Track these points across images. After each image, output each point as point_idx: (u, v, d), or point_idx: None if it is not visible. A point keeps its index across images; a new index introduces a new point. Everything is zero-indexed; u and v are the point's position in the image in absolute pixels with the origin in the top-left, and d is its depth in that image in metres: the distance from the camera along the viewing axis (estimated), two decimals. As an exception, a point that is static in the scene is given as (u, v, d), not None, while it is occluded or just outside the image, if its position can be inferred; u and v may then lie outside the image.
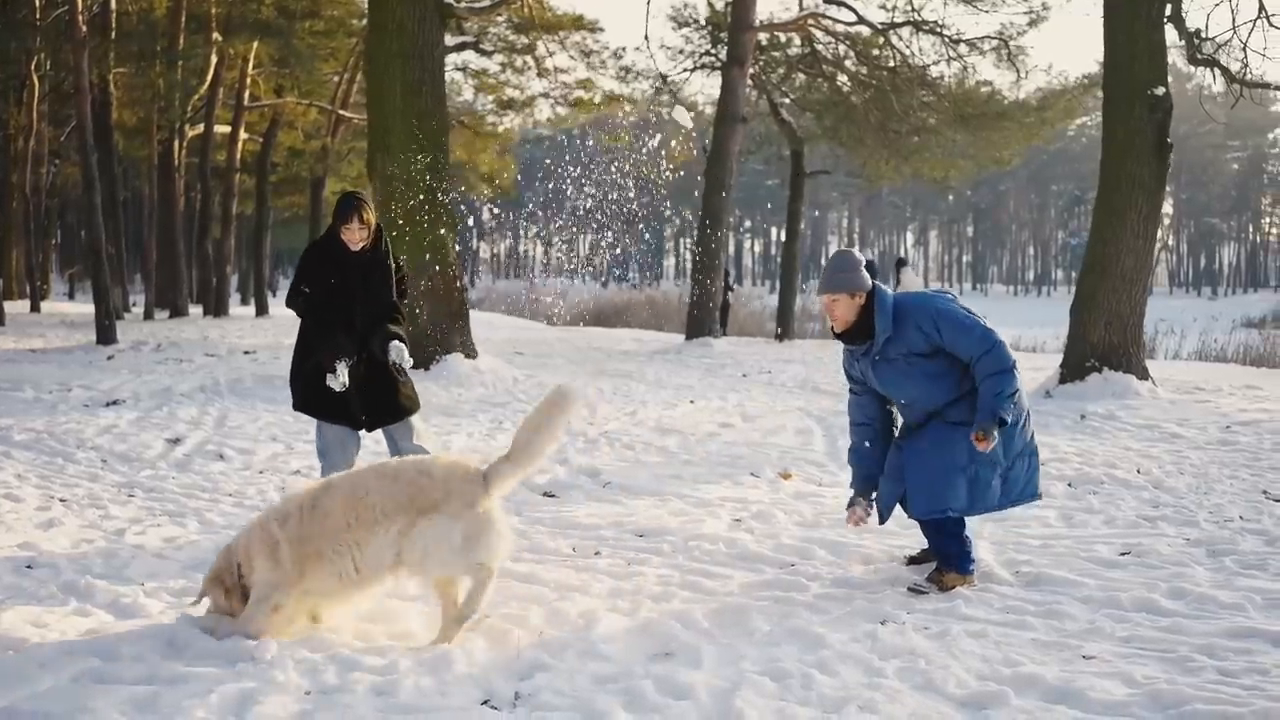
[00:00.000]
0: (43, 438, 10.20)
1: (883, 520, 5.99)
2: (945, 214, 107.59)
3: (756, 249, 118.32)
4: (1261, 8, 14.63)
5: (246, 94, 32.32)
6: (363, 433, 6.92)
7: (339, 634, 4.86)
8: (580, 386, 4.83)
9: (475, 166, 36.36)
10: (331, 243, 6.70)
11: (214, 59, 30.24)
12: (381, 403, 6.77)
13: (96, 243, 19.96)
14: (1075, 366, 13.65)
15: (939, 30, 24.66)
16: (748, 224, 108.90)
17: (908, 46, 25.31)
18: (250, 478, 8.76)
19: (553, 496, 8.19)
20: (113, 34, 27.13)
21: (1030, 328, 27.97)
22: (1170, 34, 14.05)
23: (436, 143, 15.59)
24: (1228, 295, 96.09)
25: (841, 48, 26.50)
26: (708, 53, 27.91)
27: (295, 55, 30.11)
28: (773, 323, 31.42)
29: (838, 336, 5.86)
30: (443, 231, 15.45)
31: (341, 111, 33.55)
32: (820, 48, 26.50)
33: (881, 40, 25.37)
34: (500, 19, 27.35)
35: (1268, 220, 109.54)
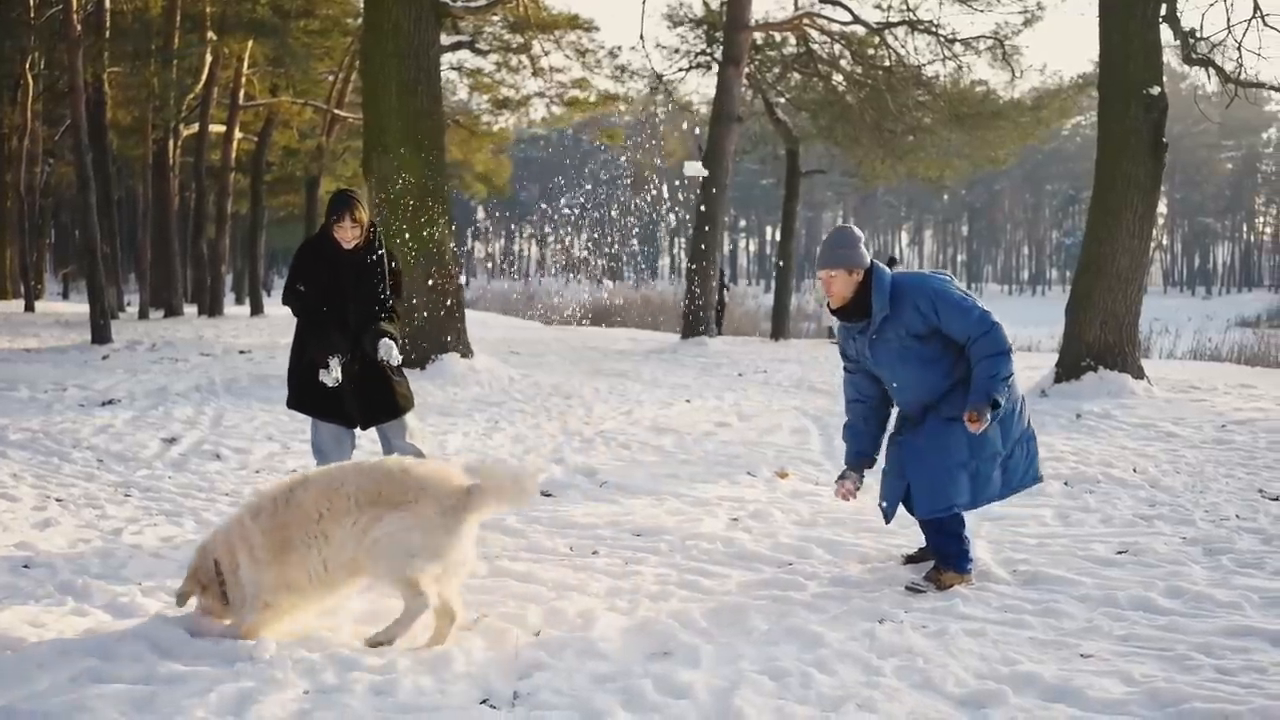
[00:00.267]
0: (38, 437, 10.18)
1: (888, 519, 5.99)
2: (940, 213, 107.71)
3: (751, 248, 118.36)
4: (1256, 7, 14.66)
5: (241, 93, 32.26)
6: (358, 431, 6.92)
7: (337, 634, 4.86)
8: (532, 481, 4.67)
9: (470, 166, 36.36)
10: (325, 241, 6.70)
11: (209, 58, 30.19)
12: (375, 401, 6.77)
13: (91, 242, 19.93)
14: (1071, 366, 13.68)
15: (934, 30, 24.69)
16: (743, 223, 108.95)
17: (903, 46, 25.36)
18: (247, 477, 8.76)
19: (549, 496, 8.19)
20: (107, 33, 27.07)
21: (1025, 327, 27.98)
22: (1165, 33, 14.09)
23: (432, 142, 15.59)
24: (1222, 295, 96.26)
25: (837, 47, 26.52)
26: (703, 52, 27.92)
27: (290, 54, 30.07)
28: (768, 322, 31.47)
29: (834, 313, 5.86)
30: (439, 231, 15.43)
31: (337, 111, 33.51)
32: (815, 47, 26.53)
33: (877, 40, 25.40)
34: (495, 18, 27.34)
35: (1262, 220, 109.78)
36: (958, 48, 25.01)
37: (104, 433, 10.52)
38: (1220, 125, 75.16)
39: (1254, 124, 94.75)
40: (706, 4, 27.32)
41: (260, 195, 34.90)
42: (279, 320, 28.35)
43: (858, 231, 5.89)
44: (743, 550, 6.46)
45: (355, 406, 6.74)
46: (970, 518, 5.92)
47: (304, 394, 6.79)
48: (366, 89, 16.54)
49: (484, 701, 4.19)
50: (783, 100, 28.39)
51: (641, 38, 28.32)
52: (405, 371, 7.12)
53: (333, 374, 6.50)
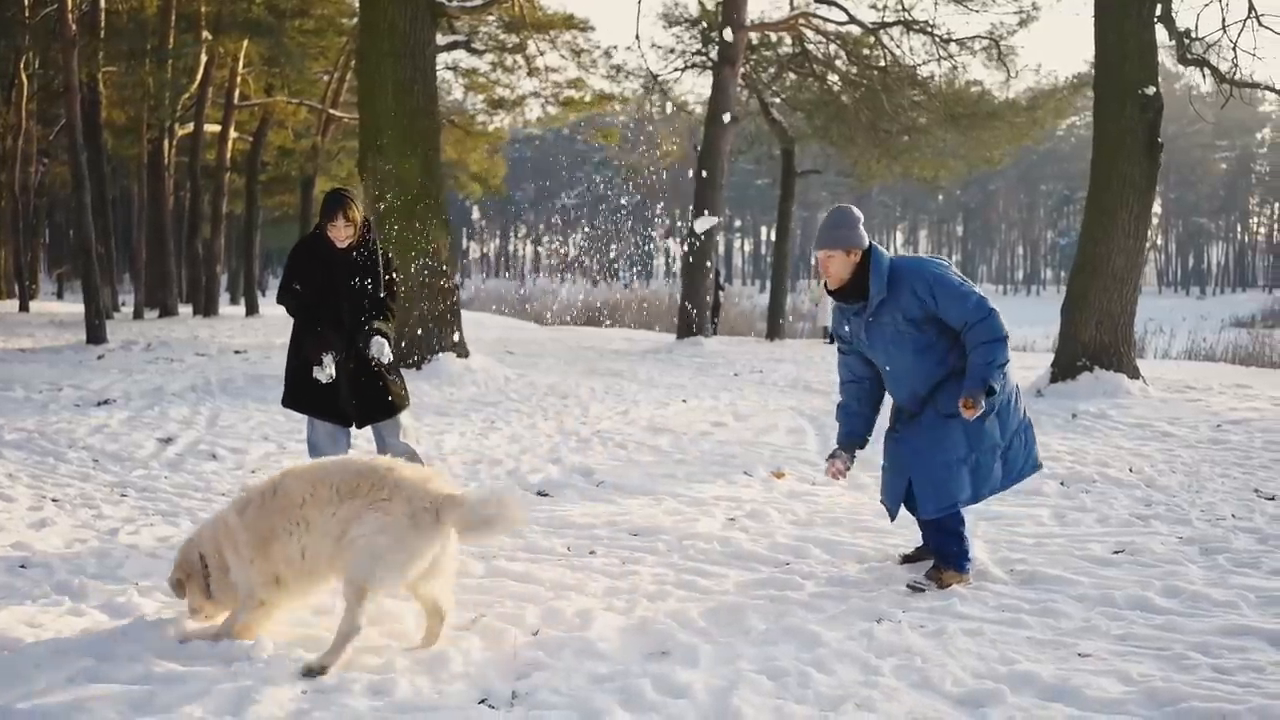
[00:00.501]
0: (34, 437, 10.17)
1: (893, 517, 6.00)
2: (935, 213, 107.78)
3: (746, 248, 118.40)
4: (1251, 8, 14.68)
5: (236, 93, 32.22)
6: (353, 430, 6.92)
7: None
8: (520, 508, 4.55)
9: (465, 166, 36.34)
10: (319, 240, 6.70)
11: (204, 58, 30.15)
12: (371, 400, 6.77)
13: (86, 242, 19.90)
14: (1066, 365, 13.69)
15: (929, 30, 24.70)
16: (738, 223, 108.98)
17: (898, 46, 25.37)
18: (243, 477, 8.74)
19: (546, 495, 8.19)
20: (102, 33, 27.02)
21: (1020, 327, 27.88)
22: (1160, 34, 14.10)
23: (428, 142, 15.58)
24: (1216, 295, 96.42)
25: (832, 47, 26.54)
26: (699, 52, 27.93)
27: (285, 54, 30.04)
28: (763, 322, 31.48)
29: (831, 294, 5.84)
30: (434, 230, 15.42)
31: (332, 111, 33.48)
32: (811, 47, 26.55)
33: (872, 40, 25.42)
34: (491, 18, 27.33)
35: (1256, 220, 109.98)
36: (953, 48, 25.05)
37: (100, 433, 10.51)
38: (1214, 125, 75.21)
39: (1248, 124, 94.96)
40: (702, 4, 27.33)
41: (255, 195, 34.86)
42: (274, 320, 28.33)
43: (857, 212, 5.84)
44: (740, 550, 6.46)
45: (351, 405, 6.74)
46: (967, 517, 5.92)
47: (300, 393, 6.79)
48: (362, 88, 16.52)
49: (482, 701, 4.19)
50: (778, 100, 28.41)
51: (637, 37, 28.38)
52: (402, 371, 7.11)
53: (326, 370, 6.51)
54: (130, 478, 8.64)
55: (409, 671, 4.40)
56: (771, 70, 28.27)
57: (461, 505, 4.54)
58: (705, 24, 27.22)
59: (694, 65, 28.02)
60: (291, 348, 6.86)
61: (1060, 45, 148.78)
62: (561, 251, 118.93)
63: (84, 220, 19.88)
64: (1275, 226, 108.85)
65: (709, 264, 23.59)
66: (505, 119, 36.14)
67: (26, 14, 27.31)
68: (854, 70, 26.46)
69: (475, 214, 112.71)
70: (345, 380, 6.66)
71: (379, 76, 15.40)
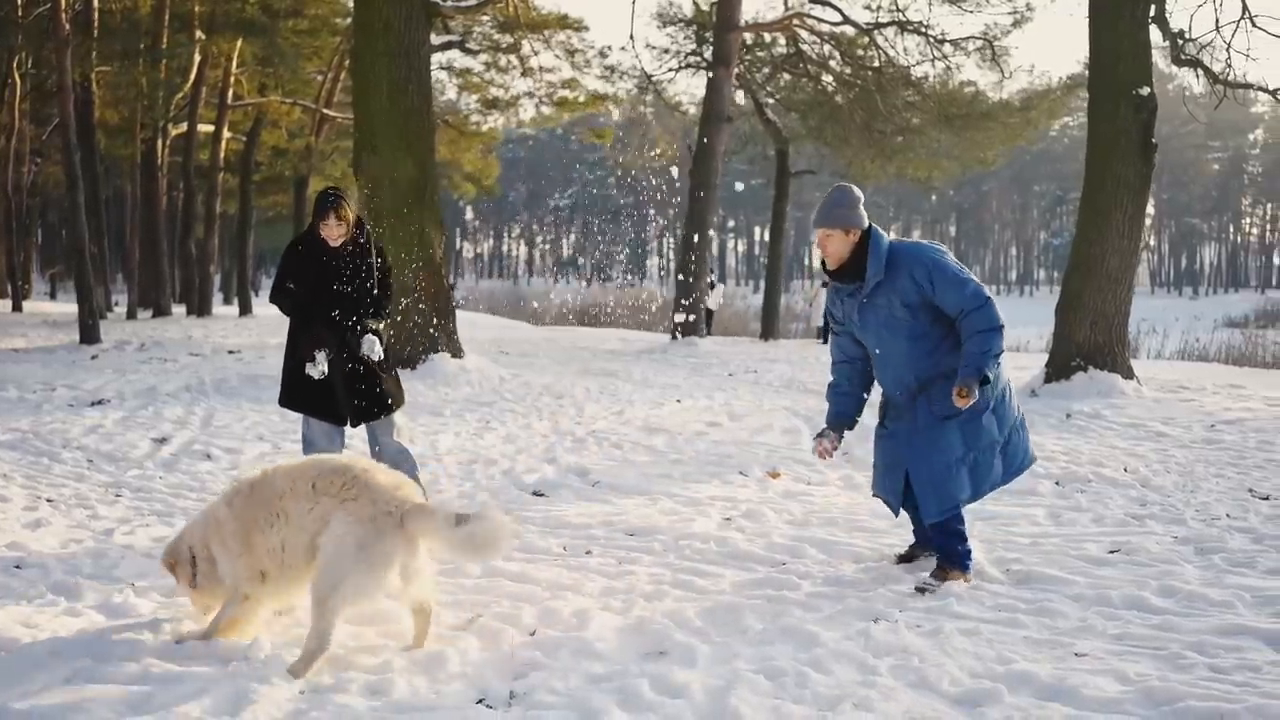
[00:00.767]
0: (28, 438, 10.15)
1: (896, 511, 6.00)
2: (928, 214, 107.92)
3: (740, 249, 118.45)
4: (1245, 8, 14.71)
5: (230, 93, 32.22)
6: (348, 429, 6.92)
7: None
8: (507, 530, 4.45)
9: (459, 166, 36.33)
10: (312, 239, 6.70)
11: (197, 57, 30.14)
12: (365, 398, 6.76)
13: (80, 242, 19.86)
14: (1061, 366, 13.71)
15: (924, 30, 24.73)
16: (731, 224, 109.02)
17: (892, 47, 25.40)
18: (237, 477, 8.72)
19: (542, 495, 8.19)
20: (95, 32, 26.98)
21: (1013, 327, 27.74)
22: (1154, 35, 14.13)
23: (423, 142, 15.57)
24: (1209, 295, 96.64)
25: (826, 48, 26.58)
26: (693, 53, 27.94)
27: (279, 54, 30.03)
28: (757, 322, 31.49)
29: (829, 273, 5.81)
30: (429, 231, 15.42)
31: (325, 110, 33.47)
32: (805, 48, 26.57)
33: (866, 40, 25.44)
34: (485, 18, 27.32)
35: (1248, 221, 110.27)
36: (947, 48, 25.08)
37: (94, 433, 10.49)
38: (1207, 126, 75.38)
39: (1241, 125, 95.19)
40: (696, 4, 27.35)
41: (249, 195, 34.86)
42: (268, 320, 28.31)
43: (857, 192, 5.80)
44: (736, 550, 6.46)
45: (345, 404, 6.74)
46: (964, 517, 5.91)
47: (295, 392, 6.79)
48: (357, 88, 16.50)
49: (480, 701, 4.19)
50: (772, 100, 28.42)
51: (631, 38, 28.35)
52: (397, 370, 7.12)
53: (319, 367, 6.51)
54: (125, 478, 8.62)
55: (406, 671, 4.39)
56: (766, 70, 28.30)
57: (428, 516, 4.46)
58: (700, 24, 27.22)
59: (689, 66, 28.03)
60: (288, 347, 6.86)
61: (1054, 46, 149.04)
62: (555, 253, 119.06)
63: (78, 220, 19.84)
64: (1267, 227, 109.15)
65: (704, 264, 23.58)
66: (499, 119, 36.16)
67: (20, 13, 27.27)
68: (848, 71, 26.49)
69: (469, 214, 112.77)
70: (340, 379, 6.66)
71: (374, 76, 15.38)
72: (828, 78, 27.02)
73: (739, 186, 28.03)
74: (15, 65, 30.79)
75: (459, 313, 17.66)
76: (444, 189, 31.62)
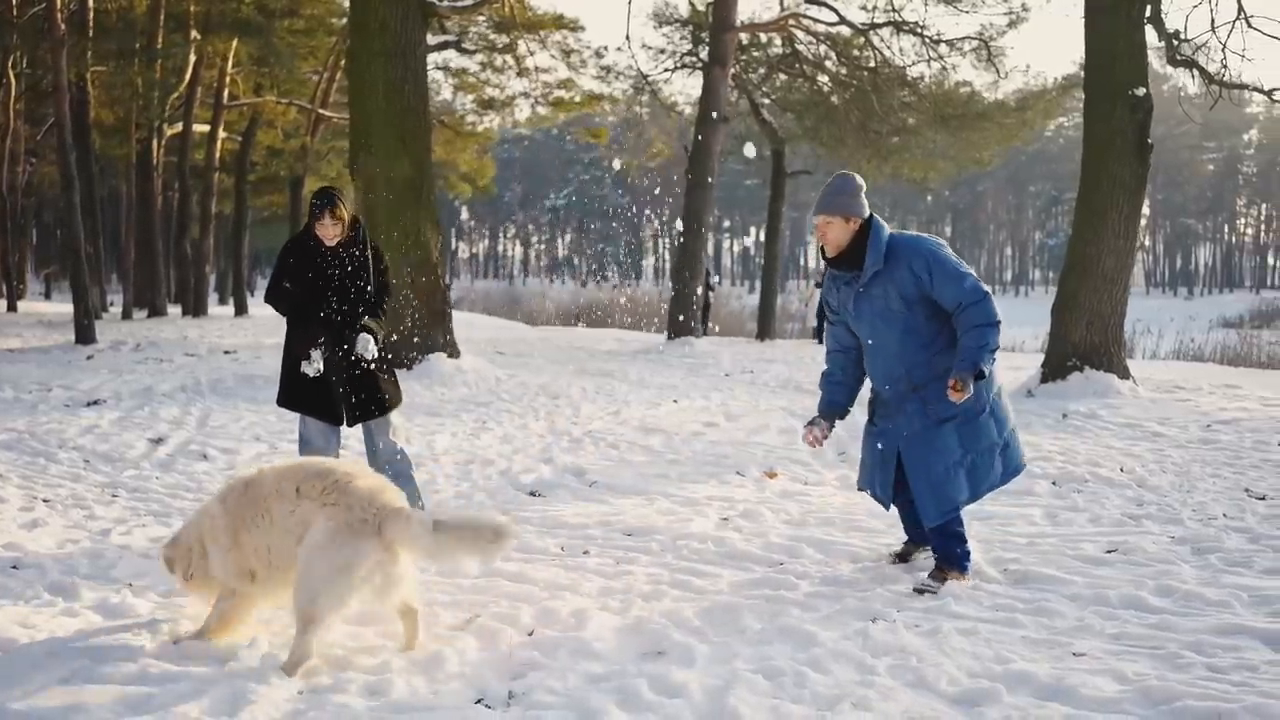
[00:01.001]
0: (24, 438, 10.13)
1: (887, 506, 6.02)
2: (924, 214, 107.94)
3: (735, 249, 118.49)
4: (1240, 9, 14.72)
5: (226, 93, 32.17)
6: (345, 429, 6.91)
7: (330, 633, 4.84)
8: (510, 529, 4.43)
9: (455, 166, 36.31)
10: (308, 238, 6.69)
11: (193, 57, 30.09)
12: (362, 398, 6.76)
13: (75, 242, 19.82)
14: (1057, 366, 13.73)
15: (919, 31, 24.74)
16: (726, 224, 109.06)
17: (888, 47, 25.40)
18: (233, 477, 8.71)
19: (539, 495, 8.19)
20: (90, 32, 26.95)
21: (1009, 327, 27.70)
22: (1150, 35, 14.14)
23: (419, 142, 15.56)
24: (1203, 295, 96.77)
25: (822, 48, 26.55)
26: (689, 53, 27.93)
27: (275, 54, 29.97)
28: (753, 322, 31.49)
29: (828, 261, 5.79)
30: (425, 230, 15.41)
31: (321, 110, 33.42)
32: (801, 48, 26.56)
33: (862, 40, 25.44)
34: (481, 18, 27.31)
35: (1243, 221, 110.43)
36: (943, 49, 25.07)
37: (90, 433, 10.48)
38: (1202, 127, 75.54)
39: (1235, 125, 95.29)
40: (692, 4, 27.33)
41: (244, 195, 34.82)
42: (263, 320, 28.28)
43: (859, 180, 5.78)
44: (734, 550, 6.46)
45: (342, 404, 6.74)
46: (963, 518, 5.91)
47: (292, 391, 6.78)
48: (353, 88, 16.49)
49: (479, 701, 4.19)
50: (768, 101, 28.42)
51: (627, 38, 28.36)
52: (395, 370, 7.11)
53: (314, 365, 6.51)
54: (121, 478, 8.62)
55: (405, 672, 4.40)
56: (762, 71, 28.28)
57: (404, 522, 4.42)
58: (696, 24, 27.21)
59: (684, 66, 28.02)
60: (285, 347, 6.86)
61: (1049, 46, 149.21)
62: (550, 253, 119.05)
63: (73, 220, 19.80)
64: (1262, 227, 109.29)
65: (700, 264, 23.57)
66: (495, 119, 36.15)
67: (14, 13, 27.19)
68: (844, 71, 26.49)
69: (464, 214, 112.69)
70: (336, 379, 6.66)
71: (370, 76, 15.37)
72: (823, 78, 27.01)
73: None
74: (10, 65, 30.70)
75: (454, 313, 17.65)
76: (440, 189, 31.59)
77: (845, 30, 25.46)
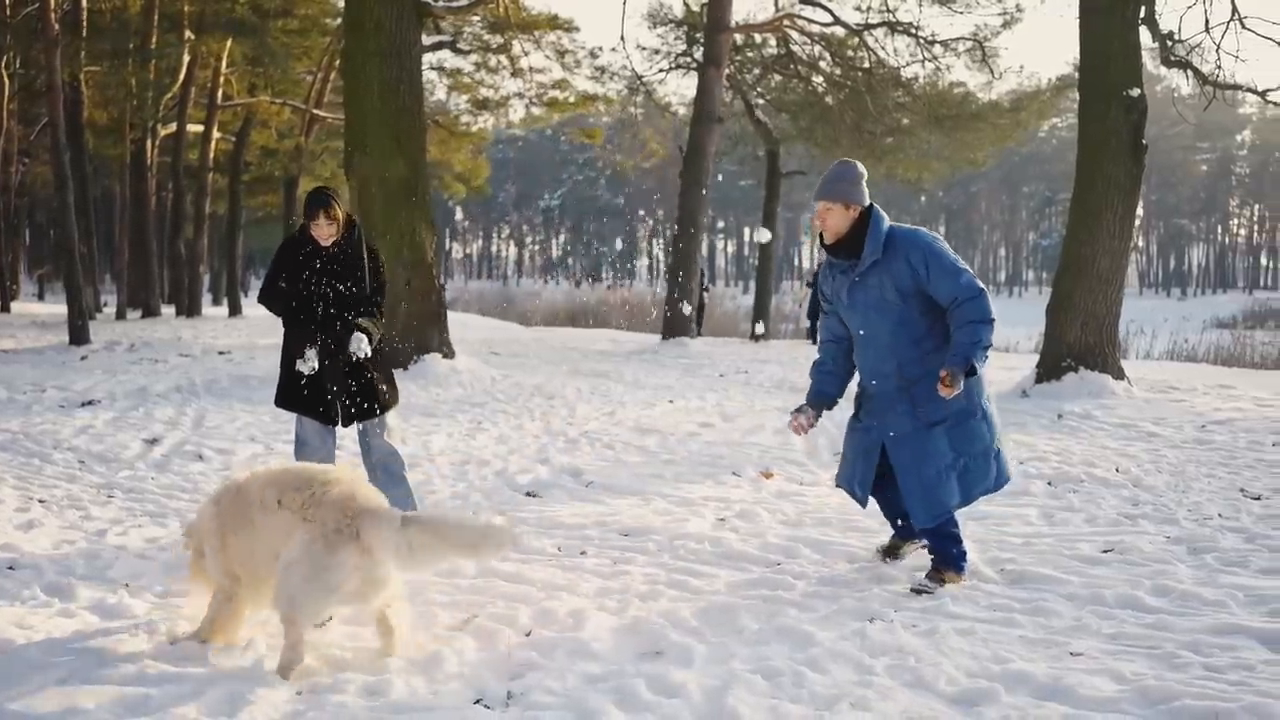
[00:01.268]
0: (18, 438, 10.12)
1: (864, 503, 6.02)
2: (917, 215, 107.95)
3: (730, 249, 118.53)
4: (1235, 10, 14.74)
5: (220, 93, 32.12)
6: (340, 429, 6.91)
7: (327, 633, 4.84)
8: (511, 532, 4.43)
9: (449, 166, 36.30)
10: (304, 239, 6.69)
11: (187, 57, 30.04)
12: (358, 399, 6.75)
13: (69, 242, 19.77)
14: (1052, 366, 13.74)
15: (914, 31, 24.77)
16: (720, 224, 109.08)
17: (883, 48, 25.43)
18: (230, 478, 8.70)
19: (535, 496, 8.19)
20: (84, 32, 26.89)
21: (1002, 328, 27.76)
22: (1144, 36, 14.16)
23: (414, 142, 15.54)
24: (1197, 296, 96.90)
25: (817, 48, 26.59)
26: (684, 53, 27.94)
27: (269, 54, 29.95)
28: (747, 322, 31.48)
29: (826, 249, 5.77)
30: (420, 231, 15.40)
31: (315, 111, 33.39)
32: (796, 48, 26.60)
33: (856, 41, 25.47)
34: (476, 18, 27.30)
35: (1236, 222, 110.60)
36: (937, 49, 25.11)
37: (85, 434, 10.46)
38: (1195, 127, 75.60)
39: (1228, 126, 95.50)
40: (687, 5, 27.34)
41: (238, 195, 34.76)
42: (258, 321, 28.24)
43: (861, 168, 5.76)
44: (730, 550, 6.46)
45: (338, 404, 6.73)
46: (958, 519, 5.91)
47: (289, 392, 6.77)
48: (348, 88, 16.46)
49: (477, 701, 4.19)
50: (763, 101, 28.43)
51: (622, 38, 28.35)
52: (392, 370, 7.11)
53: (309, 364, 6.51)
54: (117, 479, 8.61)
55: (404, 672, 4.40)
56: (756, 71, 28.31)
57: (373, 519, 4.38)
58: (690, 25, 27.22)
59: (679, 66, 28.03)
60: (284, 348, 6.85)
61: (1043, 47, 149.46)
62: (544, 254, 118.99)
63: (67, 220, 19.75)
64: (1255, 228, 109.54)
65: (695, 264, 23.58)
66: (489, 120, 36.15)
67: (8, 13, 27.16)
68: (838, 72, 26.52)
69: (458, 214, 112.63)
70: (332, 379, 6.65)
71: (365, 76, 15.34)
72: (818, 78, 27.04)
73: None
74: (3, 65, 30.65)
75: (449, 313, 17.63)
76: (434, 189, 31.57)
77: (840, 31, 25.51)
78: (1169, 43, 14.69)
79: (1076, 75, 15.04)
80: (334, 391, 6.66)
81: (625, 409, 12.69)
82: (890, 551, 6.15)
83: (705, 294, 26.44)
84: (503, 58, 29.38)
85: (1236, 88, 16.20)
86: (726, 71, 24.28)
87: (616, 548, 6.57)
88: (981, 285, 5.53)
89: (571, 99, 29.54)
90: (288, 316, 6.71)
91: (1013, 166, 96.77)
